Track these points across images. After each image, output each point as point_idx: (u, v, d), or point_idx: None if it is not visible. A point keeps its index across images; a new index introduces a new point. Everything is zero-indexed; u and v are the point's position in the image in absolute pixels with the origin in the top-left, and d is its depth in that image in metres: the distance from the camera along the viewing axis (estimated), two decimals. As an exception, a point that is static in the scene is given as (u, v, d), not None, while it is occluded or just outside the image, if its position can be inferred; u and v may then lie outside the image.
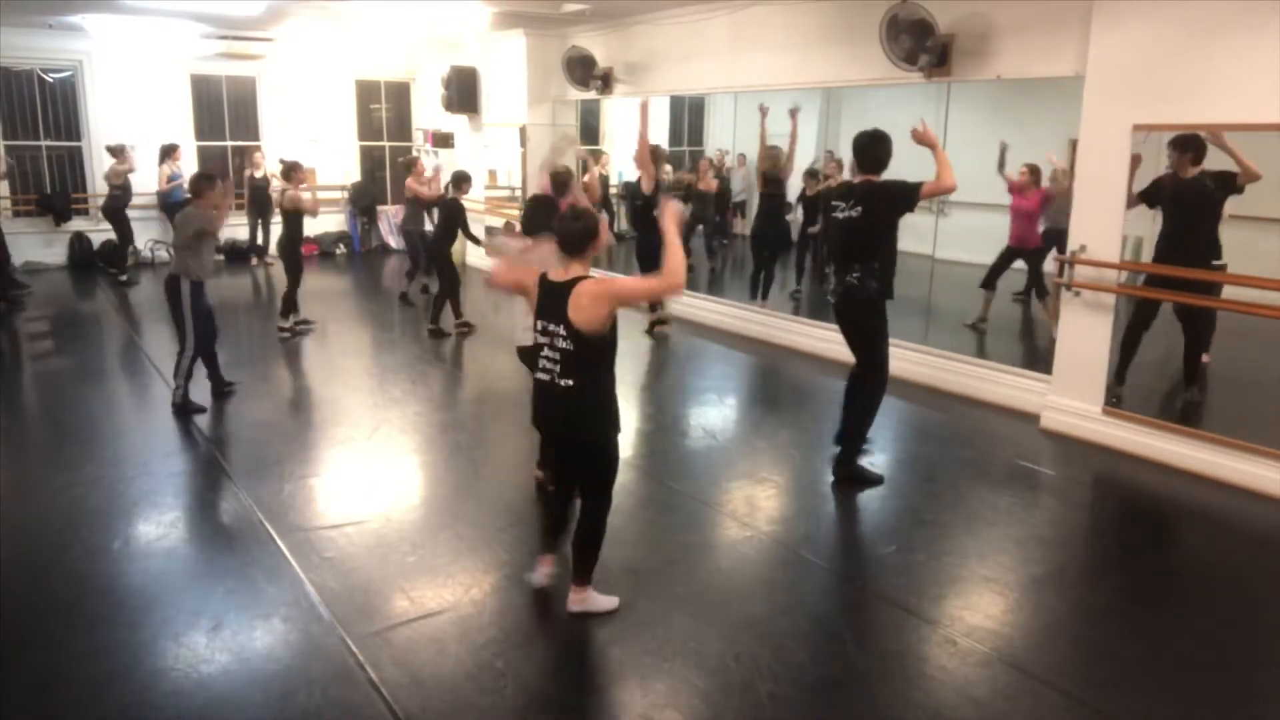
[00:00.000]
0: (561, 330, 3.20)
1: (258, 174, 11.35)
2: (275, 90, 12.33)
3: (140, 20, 9.65)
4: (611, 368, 3.32)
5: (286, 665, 3.18)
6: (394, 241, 13.29)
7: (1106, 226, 5.41)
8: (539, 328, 3.28)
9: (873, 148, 4.63)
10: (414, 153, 13.00)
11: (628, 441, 5.57)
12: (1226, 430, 5.02)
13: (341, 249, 12.88)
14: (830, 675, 3.18)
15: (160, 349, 7.72)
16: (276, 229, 8.66)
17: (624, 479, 4.92)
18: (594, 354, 3.23)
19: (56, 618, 3.46)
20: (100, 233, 11.46)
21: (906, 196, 4.52)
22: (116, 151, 10.51)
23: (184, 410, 5.85)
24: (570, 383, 3.22)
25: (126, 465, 5.07)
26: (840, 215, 4.70)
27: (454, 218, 8.19)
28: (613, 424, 3.36)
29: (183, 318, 5.83)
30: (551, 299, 3.23)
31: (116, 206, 10.57)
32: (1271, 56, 4.59)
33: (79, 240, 11.34)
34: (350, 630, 3.37)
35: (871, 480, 4.91)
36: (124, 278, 10.50)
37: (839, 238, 4.78)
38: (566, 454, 3.53)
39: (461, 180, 8.33)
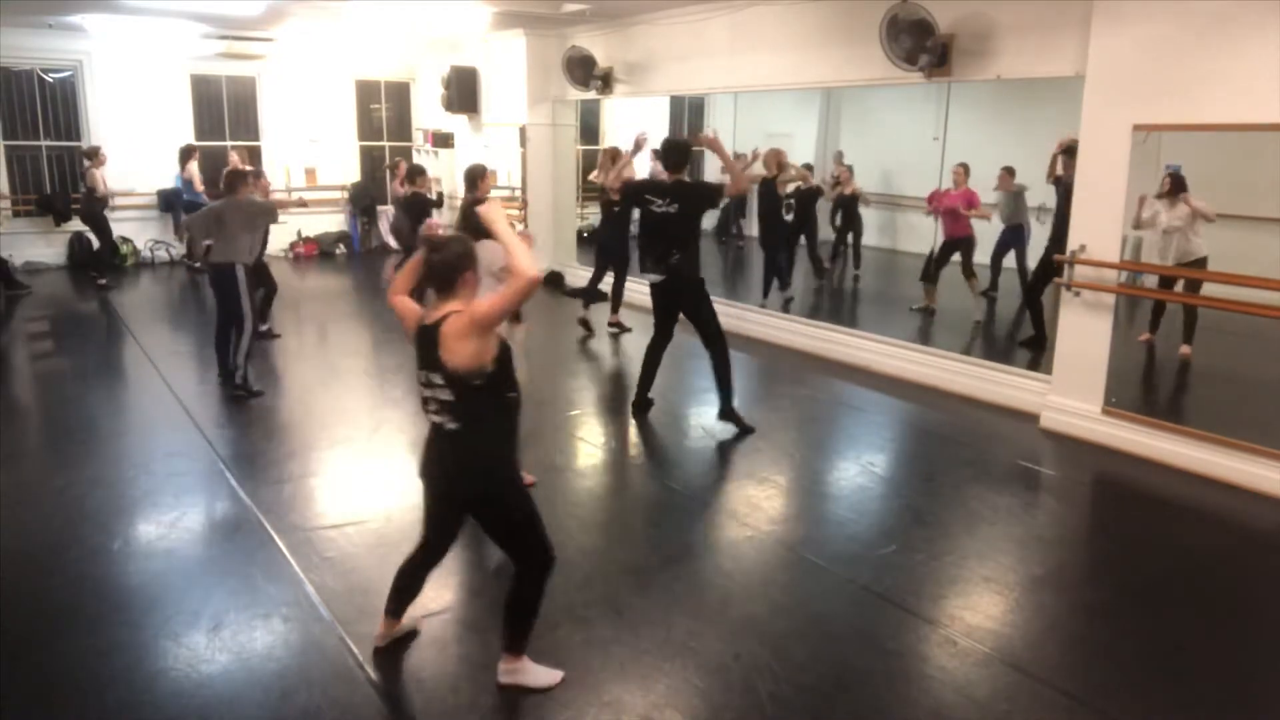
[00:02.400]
0: (438, 379, 2.78)
1: None
2: (275, 90, 12.32)
3: (140, 20, 9.64)
4: (504, 408, 2.91)
5: (286, 665, 3.18)
6: (394, 242, 13.28)
7: (1106, 226, 5.41)
8: (420, 379, 2.87)
9: (677, 153, 5.55)
10: (415, 153, 13.04)
11: (628, 441, 5.56)
12: (1226, 430, 5.02)
13: (341, 249, 12.88)
14: (830, 675, 3.18)
15: (160, 349, 7.72)
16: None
17: (624, 478, 4.93)
18: (478, 395, 2.79)
19: (56, 618, 3.46)
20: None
21: (712, 195, 5.58)
22: (92, 154, 10.27)
23: (245, 391, 6.15)
24: (456, 426, 2.81)
25: (126, 465, 5.07)
26: (657, 210, 5.47)
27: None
28: (511, 468, 2.99)
29: (239, 303, 6.18)
30: (423, 344, 2.82)
31: (94, 211, 10.33)
32: (1271, 56, 4.59)
33: (79, 240, 11.31)
34: (350, 630, 3.37)
35: (746, 428, 5.60)
36: (103, 280, 10.21)
37: (657, 228, 5.51)
38: (450, 514, 3.10)
39: (418, 174, 8.30)
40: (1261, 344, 6.13)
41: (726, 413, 5.65)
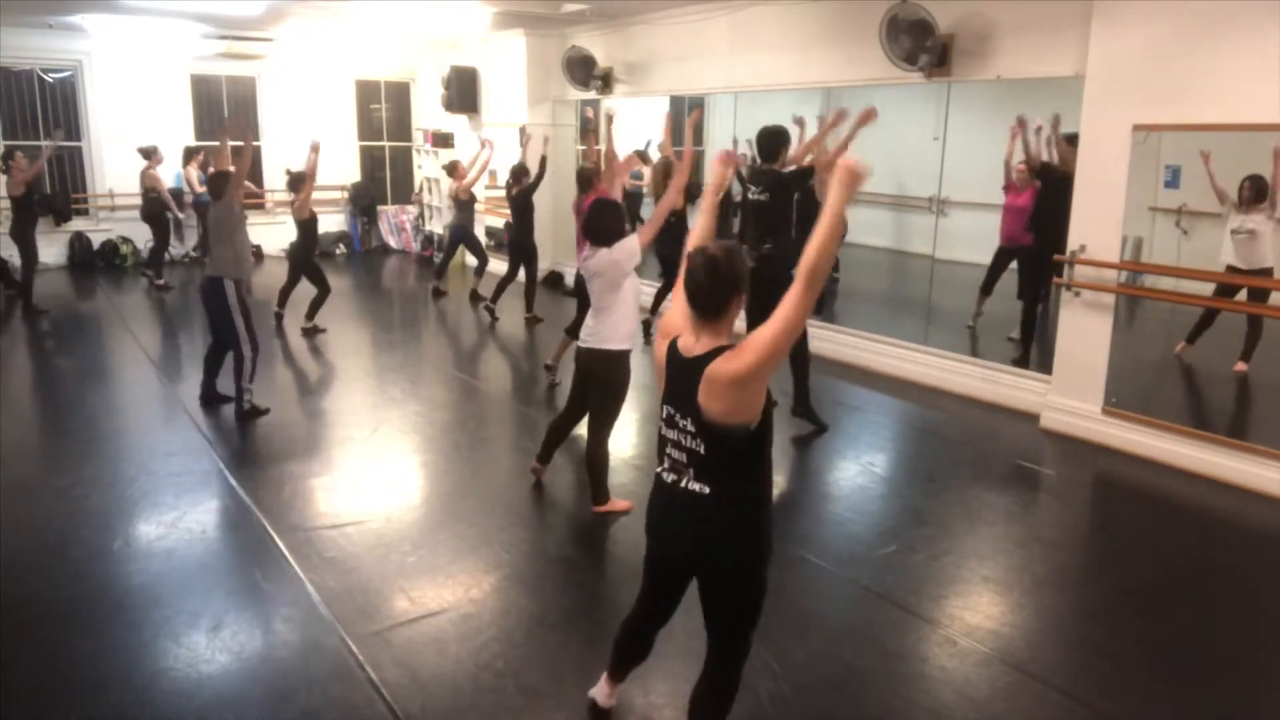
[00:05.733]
0: (689, 425, 2.30)
1: None
2: (275, 90, 12.33)
3: (140, 20, 9.65)
4: (767, 463, 2.39)
5: (286, 665, 3.18)
6: (394, 241, 13.30)
7: (1106, 226, 5.41)
8: (663, 414, 2.41)
9: (772, 142, 5.61)
10: (415, 153, 13.05)
11: (626, 441, 5.55)
12: (1227, 430, 5.01)
13: (341, 249, 12.89)
14: (830, 675, 3.18)
15: (161, 350, 7.72)
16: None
17: (625, 480, 4.92)
18: (738, 453, 2.30)
19: (57, 618, 3.46)
20: (100, 233, 11.47)
21: (800, 178, 5.58)
22: (149, 153, 10.22)
23: (254, 412, 5.73)
24: (706, 489, 2.33)
25: (126, 465, 5.07)
26: (752, 197, 5.70)
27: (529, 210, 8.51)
28: (765, 543, 2.40)
29: (231, 323, 5.63)
30: (678, 379, 2.34)
31: (155, 211, 10.26)
32: (1271, 56, 4.60)
33: (79, 240, 11.34)
34: (350, 630, 3.37)
35: (820, 425, 5.77)
36: (161, 281, 10.20)
37: (753, 217, 5.72)
38: (679, 578, 2.60)
39: (522, 173, 8.54)
40: (1263, 344, 6.11)
41: (802, 405, 5.77)
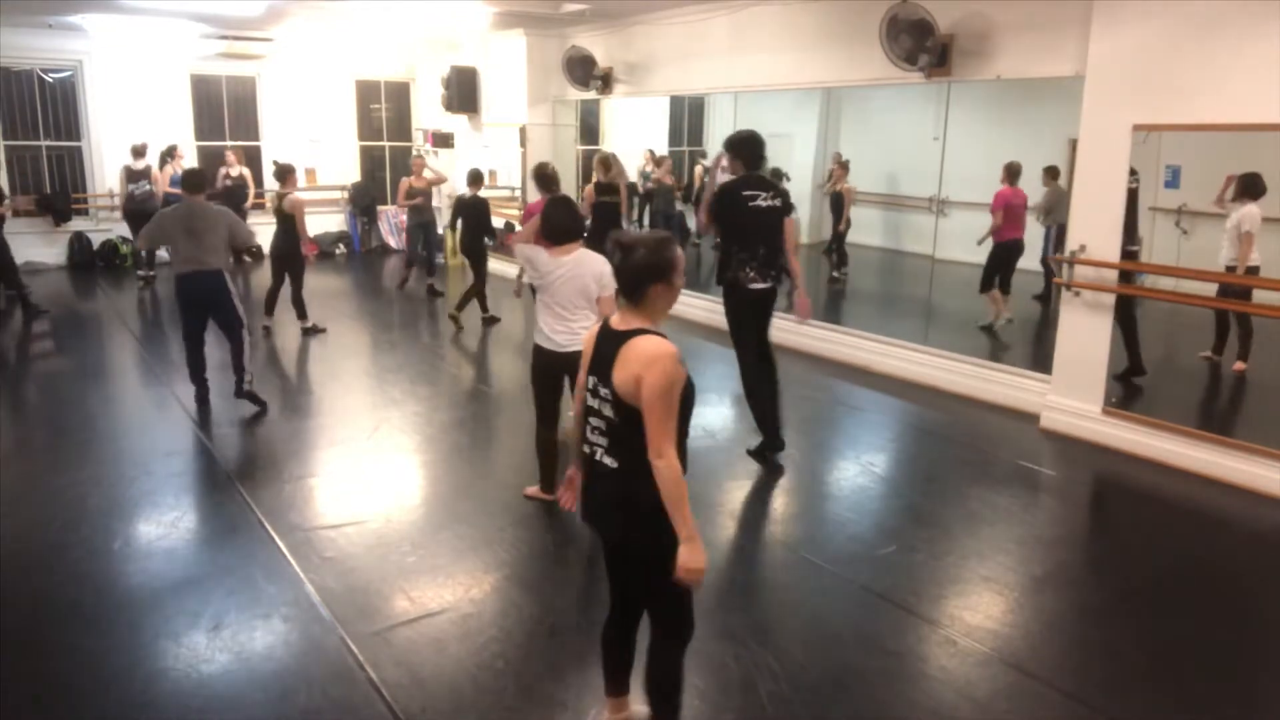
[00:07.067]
0: (607, 393, 2.38)
1: (233, 173, 10.94)
2: (275, 90, 12.34)
3: (140, 20, 9.65)
4: (680, 439, 2.40)
5: (286, 665, 3.18)
6: (394, 241, 13.30)
7: (1106, 226, 5.41)
8: (589, 384, 2.49)
9: (761, 147, 5.02)
10: (415, 152, 13.05)
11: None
12: (1227, 430, 5.01)
13: (341, 249, 12.89)
14: (830, 675, 3.18)
15: (160, 349, 7.71)
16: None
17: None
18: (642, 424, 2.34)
19: (57, 618, 3.46)
20: (99, 233, 11.47)
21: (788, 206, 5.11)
22: (140, 152, 10.56)
23: (253, 398, 5.93)
24: (615, 464, 2.43)
25: (126, 465, 5.07)
26: (763, 204, 4.96)
27: (481, 214, 8.60)
28: (668, 521, 2.35)
29: (234, 311, 5.86)
30: (602, 349, 2.44)
31: (151, 211, 10.55)
32: (1271, 56, 4.59)
33: (79, 240, 11.34)
34: (350, 630, 3.37)
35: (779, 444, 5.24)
36: (153, 273, 10.48)
37: (763, 224, 4.98)
38: (615, 558, 2.62)
39: (477, 178, 8.64)
40: (1263, 344, 6.12)
41: (777, 443, 5.19)
